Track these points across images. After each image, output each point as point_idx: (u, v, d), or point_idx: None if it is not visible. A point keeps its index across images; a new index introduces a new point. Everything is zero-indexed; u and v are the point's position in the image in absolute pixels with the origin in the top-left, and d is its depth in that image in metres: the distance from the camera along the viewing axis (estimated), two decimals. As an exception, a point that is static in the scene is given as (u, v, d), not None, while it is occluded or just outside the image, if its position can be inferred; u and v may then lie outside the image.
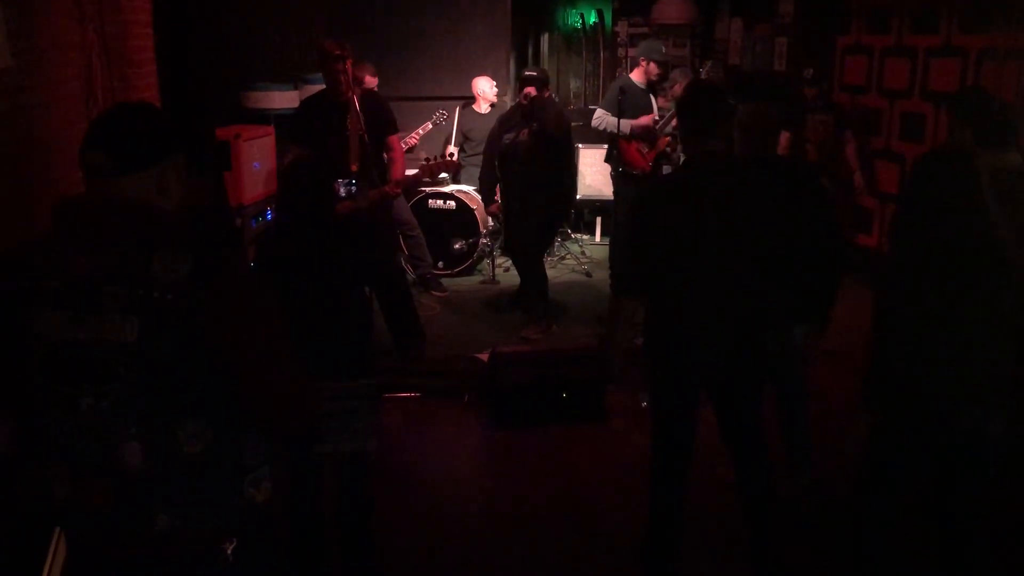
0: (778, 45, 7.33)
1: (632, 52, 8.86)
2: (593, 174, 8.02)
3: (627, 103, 6.05)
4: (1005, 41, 4.67)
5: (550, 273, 7.20)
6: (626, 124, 6.00)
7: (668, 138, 6.18)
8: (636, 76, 6.30)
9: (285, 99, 6.57)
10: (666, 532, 3.16)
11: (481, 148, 6.37)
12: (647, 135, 6.10)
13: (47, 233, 1.74)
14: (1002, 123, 3.51)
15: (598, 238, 8.32)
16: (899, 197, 2.79)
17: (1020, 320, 2.56)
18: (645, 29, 8.84)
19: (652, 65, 6.23)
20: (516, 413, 4.64)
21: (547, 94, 5.83)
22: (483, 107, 7.14)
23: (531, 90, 5.48)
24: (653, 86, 6.40)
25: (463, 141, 7.22)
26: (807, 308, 3.44)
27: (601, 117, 6.17)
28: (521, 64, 9.06)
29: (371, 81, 5.99)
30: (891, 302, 2.66)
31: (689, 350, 2.98)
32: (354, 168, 4.98)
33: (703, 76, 6.69)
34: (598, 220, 8.37)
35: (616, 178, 6.30)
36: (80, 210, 1.72)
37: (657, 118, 6.19)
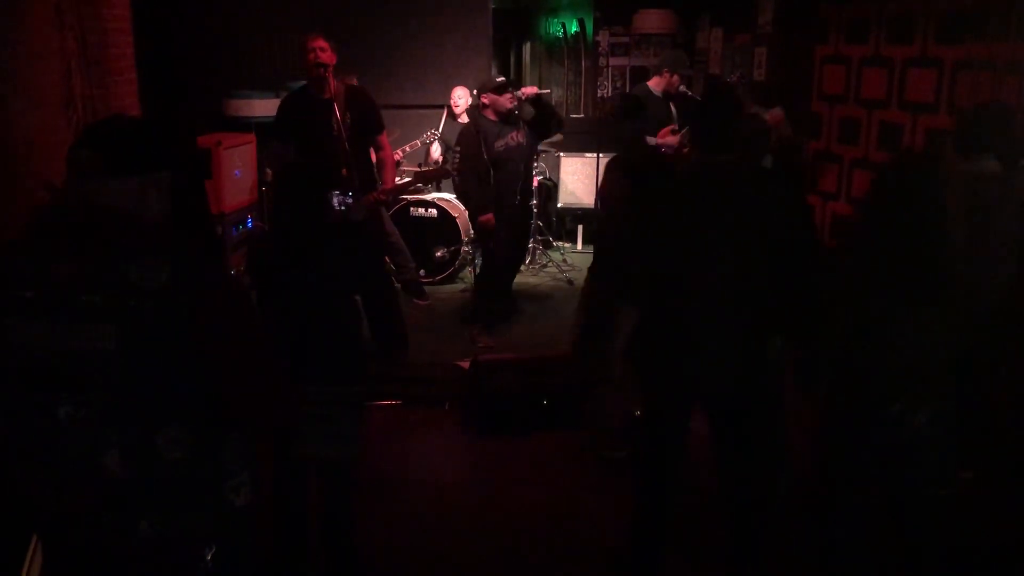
0: (757, 55, 7.38)
1: (614, 60, 8.92)
2: (575, 182, 8.06)
3: (646, 113, 5.92)
4: (980, 52, 4.73)
5: (532, 280, 7.26)
6: (651, 141, 5.85)
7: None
8: (654, 85, 6.19)
9: (266, 107, 6.55)
10: (650, 540, 3.15)
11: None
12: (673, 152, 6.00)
13: (22, 240, 1.72)
14: (978, 130, 3.55)
15: (579, 246, 8.35)
16: (864, 197, 2.79)
17: (962, 321, 2.58)
18: (626, 39, 8.90)
19: (676, 77, 6.10)
20: (498, 420, 4.64)
21: None
22: (464, 117, 7.16)
23: (534, 89, 5.46)
24: (671, 96, 6.27)
25: (445, 150, 7.24)
26: (785, 319, 3.44)
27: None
28: (503, 74, 9.08)
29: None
30: (837, 294, 2.70)
31: (682, 360, 2.94)
32: (344, 172, 4.85)
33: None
34: (579, 228, 8.41)
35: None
36: (57, 218, 1.72)
37: (677, 127, 6.04)
